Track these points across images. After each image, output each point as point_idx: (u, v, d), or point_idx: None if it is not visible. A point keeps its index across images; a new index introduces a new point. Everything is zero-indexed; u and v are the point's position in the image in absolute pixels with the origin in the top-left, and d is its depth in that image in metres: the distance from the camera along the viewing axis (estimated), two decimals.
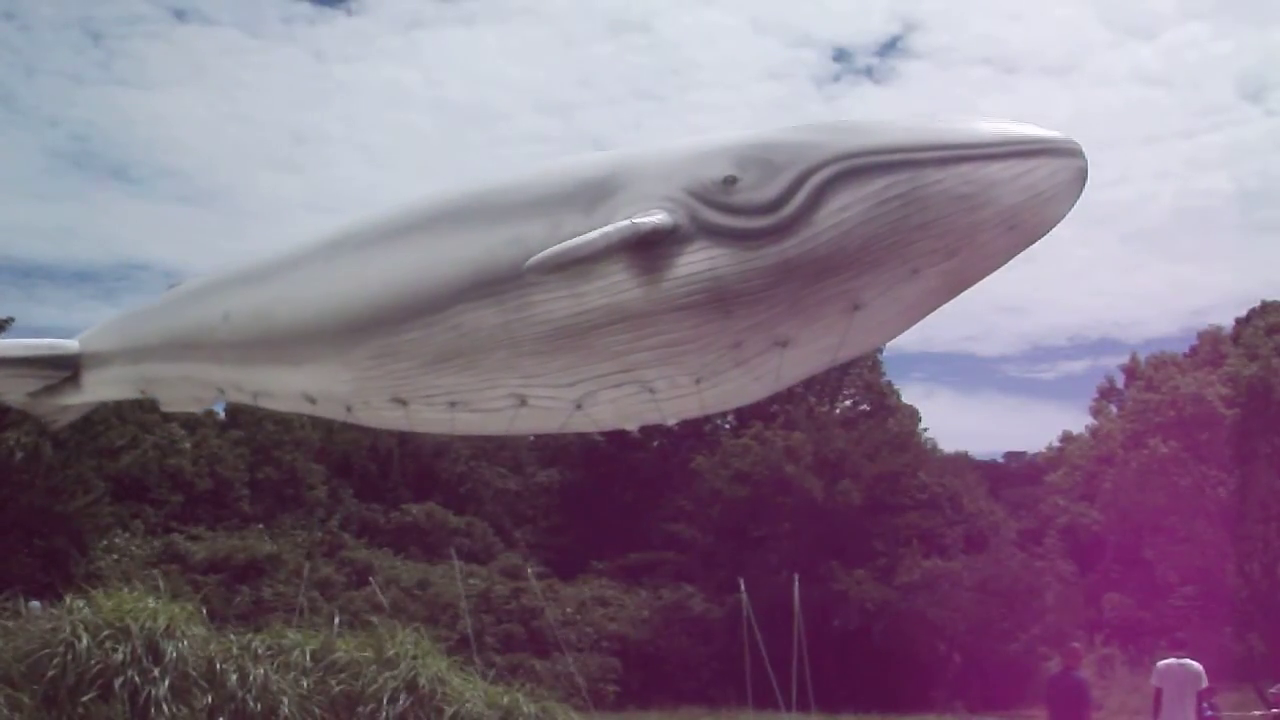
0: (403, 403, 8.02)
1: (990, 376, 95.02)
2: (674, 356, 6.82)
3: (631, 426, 8.26)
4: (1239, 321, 41.07)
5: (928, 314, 6.94)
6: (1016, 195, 6.29)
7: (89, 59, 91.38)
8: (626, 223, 6.56)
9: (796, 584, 21.31)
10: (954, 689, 32.91)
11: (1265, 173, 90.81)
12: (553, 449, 47.06)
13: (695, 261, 6.53)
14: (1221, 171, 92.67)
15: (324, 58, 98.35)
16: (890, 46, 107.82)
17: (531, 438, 46.60)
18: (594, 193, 7.01)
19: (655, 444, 43.59)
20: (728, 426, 41.53)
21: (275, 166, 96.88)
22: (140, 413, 37.47)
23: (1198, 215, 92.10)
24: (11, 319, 27.71)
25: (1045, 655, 31.96)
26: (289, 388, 8.86)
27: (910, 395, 41.44)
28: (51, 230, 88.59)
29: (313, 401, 8.76)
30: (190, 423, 38.55)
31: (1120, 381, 40.21)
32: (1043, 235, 6.62)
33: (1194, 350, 38.10)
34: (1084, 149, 6.52)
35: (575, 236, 6.75)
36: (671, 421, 7.93)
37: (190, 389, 9.88)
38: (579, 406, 7.38)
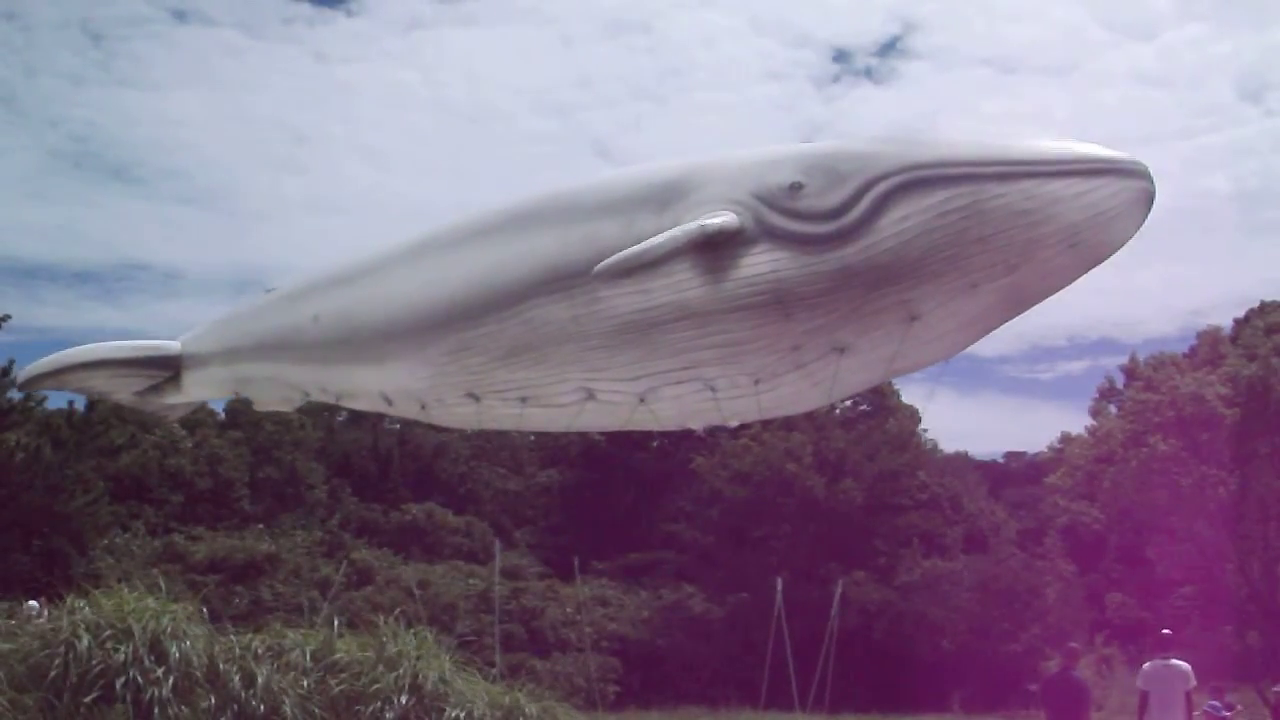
0: (475, 398, 8.20)
1: (990, 376, 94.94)
2: (734, 356, 6.93)
3: (695, 425, 8.39)
4: (1238, 322, 41.06)
5: (988, 331, 6.95)
6: (1078, 213, 6.27)
7: (89, 60, 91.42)
8: (694, 224, 6.68)
9: (839, 590, 21.25)
10: (954, 689, 32.91)
11: (1264, 173, 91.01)
12: (553, 449, 47.07)
13: (758, 263, 6.65)
14: (1221, 172, 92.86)
15: (324, 58, 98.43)
16: (890, 47, 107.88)
17: (531, 437, 46.67)
18: (665, 195, 7.16)
19: (655, 444, 43.61)
20: (734, 426, 41.51)
21: (275, 166, 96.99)
22: (140, 412, 37.46)
23: (1197, 215, 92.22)
24: (8, 316, 27.70)
25: (1045, 655, 31.99)
26: (369, 387, 9.09)
27: (910, 395, 41.33)
28: (51, 230, 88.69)
29: (389, 402, 9.01)
30: (190, 423, 38.53)
31: (1120, 382, 40.19)
32: (1107, 256, 6.58)
33: (1193, 350, 38.07)
34: (1150, 171, 6.46)
35: (647, 235, 6.88)
36: (733, 423, 8.07)
37: (279, 390, 10.16)
38: (643, 401, 7.49)
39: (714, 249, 6.67)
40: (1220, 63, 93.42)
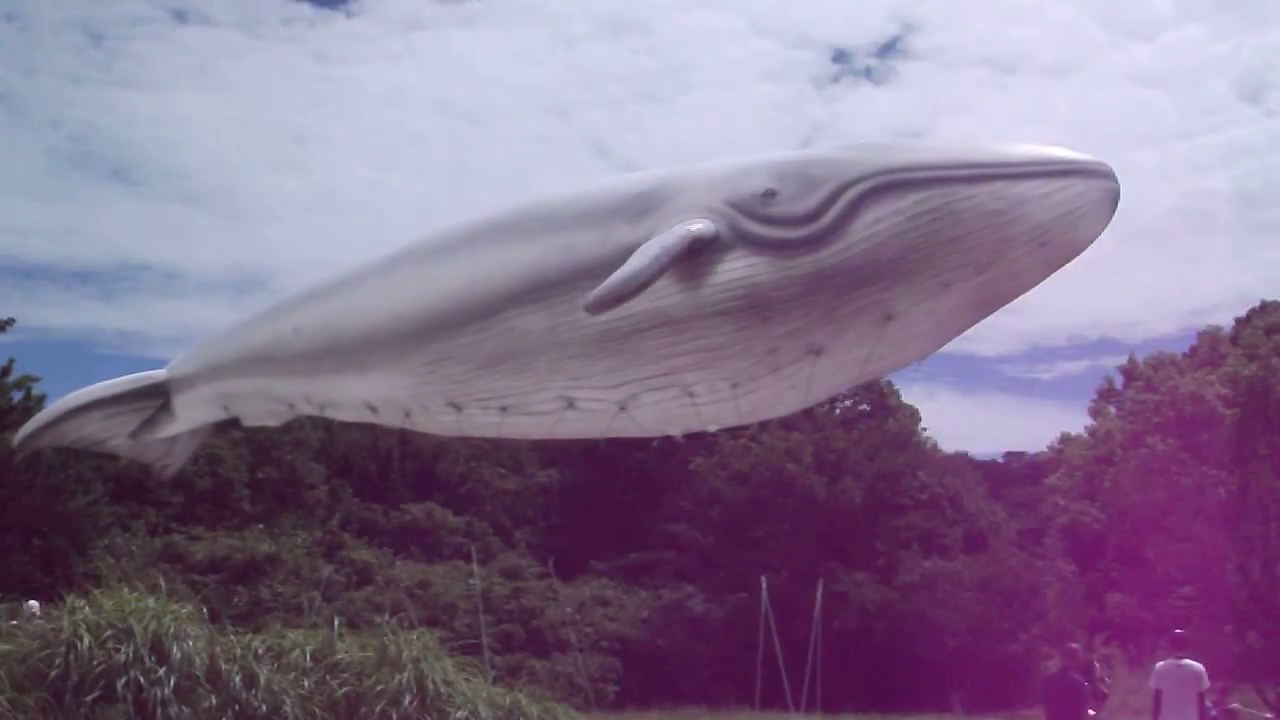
0: (457, 407, 8.27)
1: (990, 376, 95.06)
2: (712, 361, 7.02)
3: (675, 432, 8.44)
4: (1238, 321, 41.08)
5: (962, 331, 7.13)
6: (1047, 213, 6.42)
7: (89, 60, 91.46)
8: (674, 238, 6.75)
9: (821, 588, 21.34)
10: (954, 689, 32.92)
11: (1263, 173, 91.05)
12: (553, 449, 47.02)
13: (734, 269, 6.75)
14: (1220, 172, 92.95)
15: (324, 59, 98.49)
16: (889, 47, 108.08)
17: None
18: (641, 204, 7.27)
19: (655, 444, 43.59)
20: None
21: (275, 166, 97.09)
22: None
23: (1196, 215, 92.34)
24: (13, 320, 27.72)
25: (1045, 655, 31.99)
26: (353, 396, 9.14)
27: (910, 395, 41.41)
28: (51, 230, 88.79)
29: (374, 410, 9.06)
30: None
31: (1119, 382, 40.20)
32: (1075, 255, 6.75)
33: (1193, 350, 38.09)
34: (1116, 172, 6.65)
35: (624, 244, 6.97)
36: (712, 428, 8.13)
37: (265, 403, 10.17)
38: (623, 408, 7.59)
39: (690, 256, 6.76)
40: (1220, 63, 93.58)
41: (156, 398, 10.86)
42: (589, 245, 7.26)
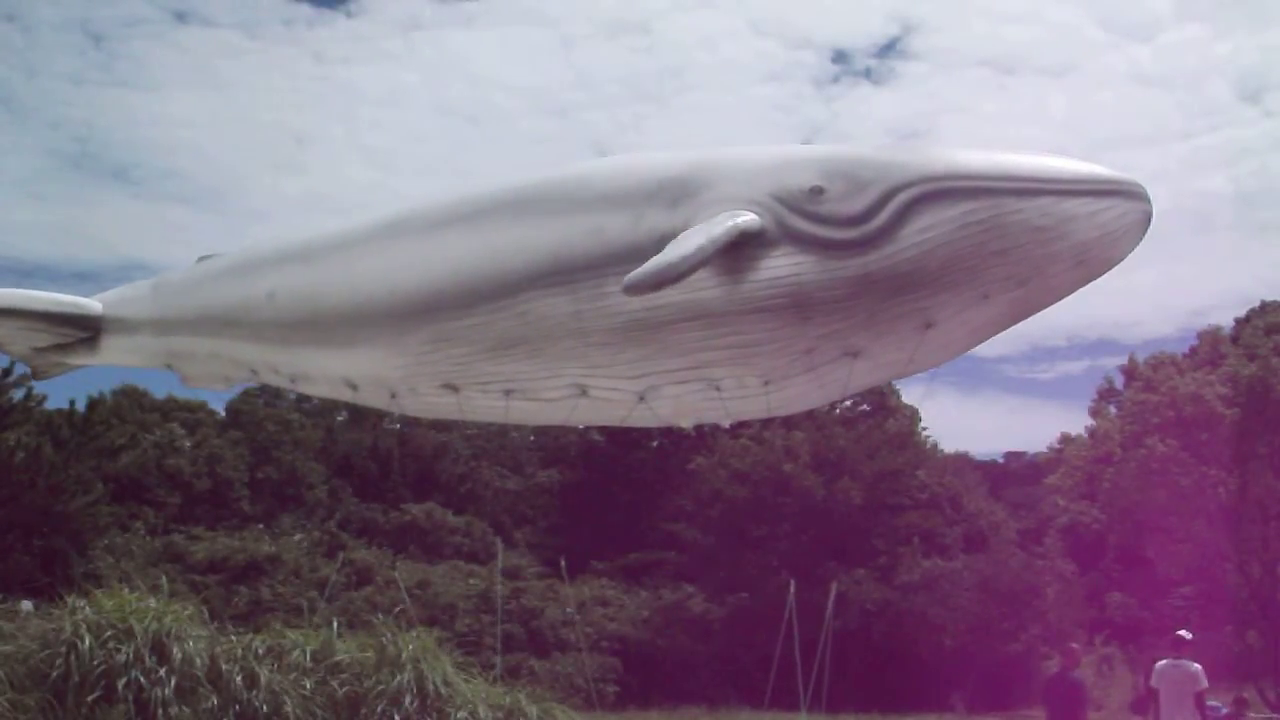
0: (454, 389, 7.93)
1: (990, 376, 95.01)
2: (746, 357, 6.90)
3: (688, 424, 8.31)
4: (1238, 321, 41.04)
5: (987, 338, 7.12)
6: (1090, 232, 6.50)
7: (90, 61, 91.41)
8: (722, 228, 6.58)
9: (834, 591, 21.29)
10: (954, 689, 32.92)
11: (1264, 173, 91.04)
12: (553, 449, 47.07)
13: (779, 266, 6.63)
14: (1220, 172, 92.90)
15: (324, 59, 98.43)
16: (889, 48, 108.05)
17: (531, 437, 46.65)
18: (677, 190, 7.03)
19: (655, 444, 43.60)
20: (727, 426, 41.49)
21: (275, 166, 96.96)
22: (140, 413, 37.48)
23: (1196, 216, 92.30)
24: None
25: (1045, 655, 31.99)
26: (331, 371, 8.67)
27: (910, 395, 41.30)
28: (51, 230, 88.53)
29: (354, 388, 8.62)
30: (190, 423, 38.57)
31: (1119, 382, 40.17)
32: (1104, 273, 6.85)
33: (1193, 350, 38.05)
34: (1149, 194, 6.77)
35: (656, 231, 6.78)
36: (728, 422, 8.06)
37: (220, 366, 9.59)
38: (642, 399, 7.39)
39: (732, 250, 6.58)
40: (1219, 63, 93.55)
41: (83, 329, 10.11)
42: (620, 229, 7.00)
